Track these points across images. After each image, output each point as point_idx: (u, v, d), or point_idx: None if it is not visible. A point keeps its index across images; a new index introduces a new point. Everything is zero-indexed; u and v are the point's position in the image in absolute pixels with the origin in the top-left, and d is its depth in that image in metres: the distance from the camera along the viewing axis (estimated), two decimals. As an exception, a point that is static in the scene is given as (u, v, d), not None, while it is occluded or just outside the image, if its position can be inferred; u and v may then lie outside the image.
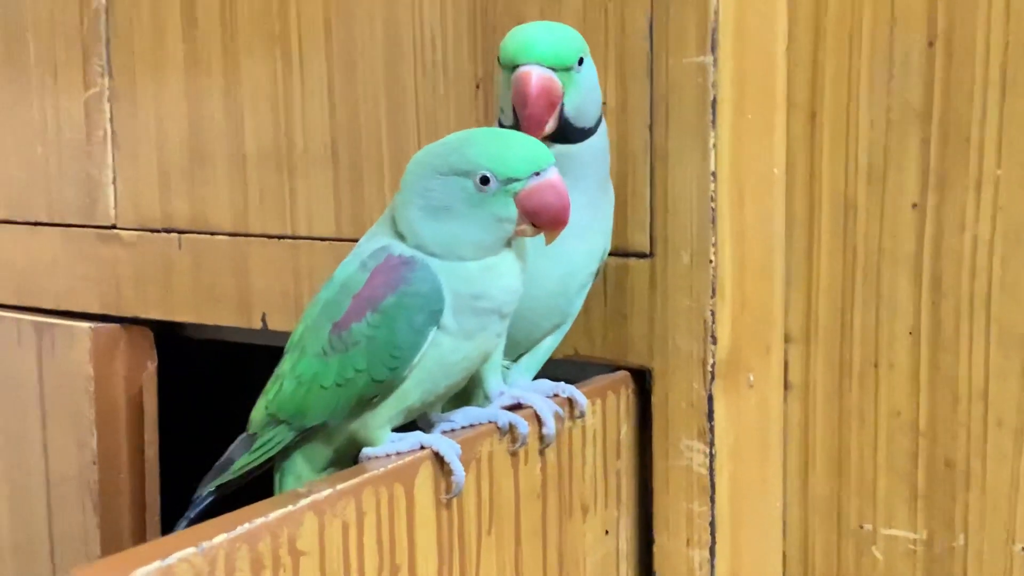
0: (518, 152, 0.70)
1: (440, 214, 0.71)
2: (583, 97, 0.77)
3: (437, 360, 0.72)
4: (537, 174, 0.70)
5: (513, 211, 0.71)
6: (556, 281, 0.82)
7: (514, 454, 0.77)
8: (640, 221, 0.87)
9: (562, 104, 0.76)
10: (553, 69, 0.75)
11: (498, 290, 0.72)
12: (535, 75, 0.74)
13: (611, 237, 0.85)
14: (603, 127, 0.81)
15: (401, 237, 0.73)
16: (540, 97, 0.75)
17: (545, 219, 0.71)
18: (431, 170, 0.72)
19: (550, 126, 0.76)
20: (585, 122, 0.78)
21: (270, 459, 0.78)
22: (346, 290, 0.73)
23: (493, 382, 0.79)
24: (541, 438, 0.79)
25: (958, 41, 0.86)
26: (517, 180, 0.70)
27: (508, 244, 0.73)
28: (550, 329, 0.85)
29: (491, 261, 0.72)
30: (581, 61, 0.77)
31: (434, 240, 0.72)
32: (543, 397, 0.79)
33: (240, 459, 0.78)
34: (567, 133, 0.78)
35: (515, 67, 0.75)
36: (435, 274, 0.71)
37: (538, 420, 0.78)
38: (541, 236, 0.73)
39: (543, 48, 0.75)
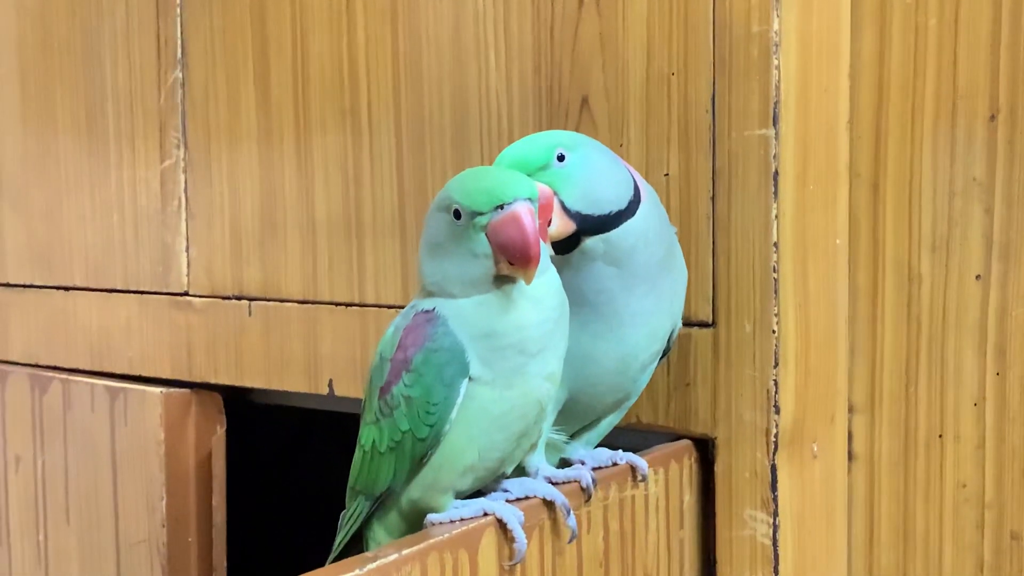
0: (482, 185, 0.70)
1: (436, 251, 0.72)
2: (584, 186, 0.76)
3: (480, 412, 0.72)
4: (501, 207, 0.69)
5: (486, 246, 0.69)
6: (616, 361, 0.81)
7: (571, 541, 0.77)
8: (703, 291, 0.88)
9: (561, 201, 0.76)
10: (528, 174, 0.75)
11: (506, 326, 0.71)
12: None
13: (680, 317, 0.85)
14: (646, 208, 0.79)
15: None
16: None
17: (511, 254, 0.68)
18: (432, 207, 0.73)
19: (558, 230, 0.76)
20: (604, 208, 0.77)
21: (359, 532, 0.79)
22: (385, 355, 0.74)
23: (533, 459, 0.79)
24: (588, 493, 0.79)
25: (1021, 114, 0.87)
26: (481, 214, 0.69)
27: (501, 282, 0.71)
28: (612, 406, 0.85)
29: (484, 298, 0.71)
30: (561, 158, 0.77)
31: (432, 278, 0.72)
32: (580, 472, 0.79)
33: (338, 536, 0.80)
34: (592, 224, 0.77)
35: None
36: (452, 326, 0.71)
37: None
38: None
39: (509, 160, 0.76)
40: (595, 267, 0.78)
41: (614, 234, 0.77)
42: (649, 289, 0.80)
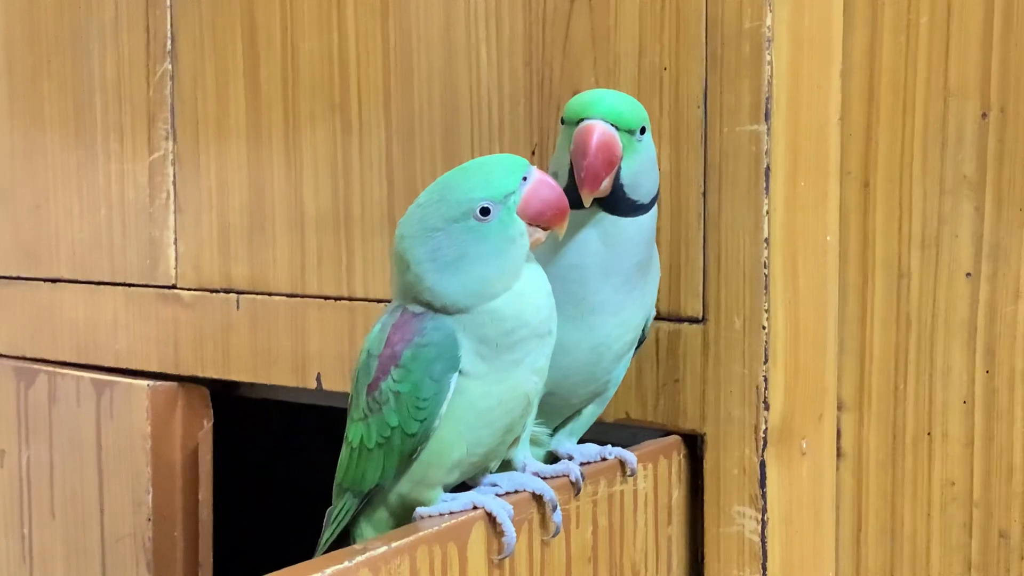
0: (499, 168, 0.71)
1: (458, 264, 0.71)
2: (640, 167, 0.78)
3: (468, 407, 0.72)
4: (524, 179, 0.71)
5: (521, 224, 0.71)
6: (588, 351, 0.81)
7: (547, 540, 0.77)
8: (693, 287, 0.88)
9: (619, 169, 0.76)
10: (616, 128, 0.76)
11: (530, 313, 0.72)
12: (599, 128, 0.75)
13: (654, 307, 0.85)
14: (655, 211, 0.81)
15: (423, 307, 0.73)
16: (601, 150, 0.75)
17: (550, 215, 0.72)
18: (426, 231, 0.71)
19: (605, 184, 0.76)
20: (639, 196, 0.78)
21: (347, 529, 0.79)
22: (372, 353, 0.74)
23: (519, 453, 0.79)
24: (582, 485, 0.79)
25: (1011, 112, 0.87)
26: (512, 192, 0.71)
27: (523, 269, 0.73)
28: (589, 397, 0.84)
29: (518, 287, 0.72)
30: (643, 131, 0.78)
31: (463, 292, 0.71)
32: (568, 466, 0.79)
33: (325, 533, 0.79)
34: (619, 203, 0.78)
35: (579, 121, 0.76)
36: (448, 323, 0.71)
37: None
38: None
39: (610, 106, 0.76)
40: (587, 236, 0.78)
41: (626, 222, 0.78)
42: (623, 282, 0.80)
